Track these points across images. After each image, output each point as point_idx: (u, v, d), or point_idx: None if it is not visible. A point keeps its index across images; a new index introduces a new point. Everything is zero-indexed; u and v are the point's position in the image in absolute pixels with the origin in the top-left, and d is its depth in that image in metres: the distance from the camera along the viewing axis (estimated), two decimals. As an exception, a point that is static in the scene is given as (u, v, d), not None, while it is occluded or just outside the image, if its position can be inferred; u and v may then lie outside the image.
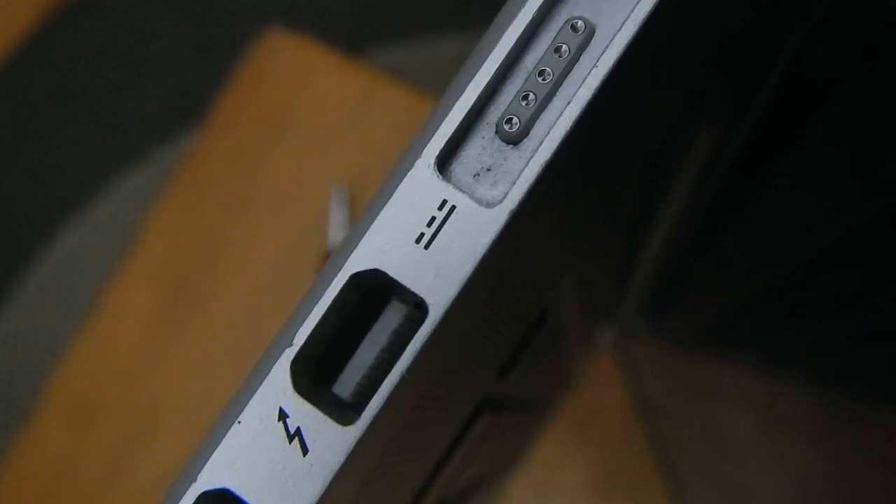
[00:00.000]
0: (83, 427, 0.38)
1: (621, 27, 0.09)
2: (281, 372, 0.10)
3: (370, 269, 0.10)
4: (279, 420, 0.10)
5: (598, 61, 0.09)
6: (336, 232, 0.36)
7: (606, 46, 0.09)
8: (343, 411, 0.10)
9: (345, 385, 0.10)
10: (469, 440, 0.17)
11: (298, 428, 0.10)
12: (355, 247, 0.10)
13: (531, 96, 0.10)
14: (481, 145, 0.10)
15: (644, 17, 0.09)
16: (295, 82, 0.40)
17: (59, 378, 0.39)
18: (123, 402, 0.38)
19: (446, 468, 0.16)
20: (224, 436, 0.10)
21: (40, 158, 0.48)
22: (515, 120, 0.10)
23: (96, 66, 0.49)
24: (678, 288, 0.27)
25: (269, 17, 0.44)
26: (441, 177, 0.10)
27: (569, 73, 0.10)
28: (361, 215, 0.10)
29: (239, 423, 0.10)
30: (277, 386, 0.10)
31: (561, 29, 0.10)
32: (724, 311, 0.27)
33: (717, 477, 0.31)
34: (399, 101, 0.39)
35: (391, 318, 0.10)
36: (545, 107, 0.10)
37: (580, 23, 0.10)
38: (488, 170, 0.10)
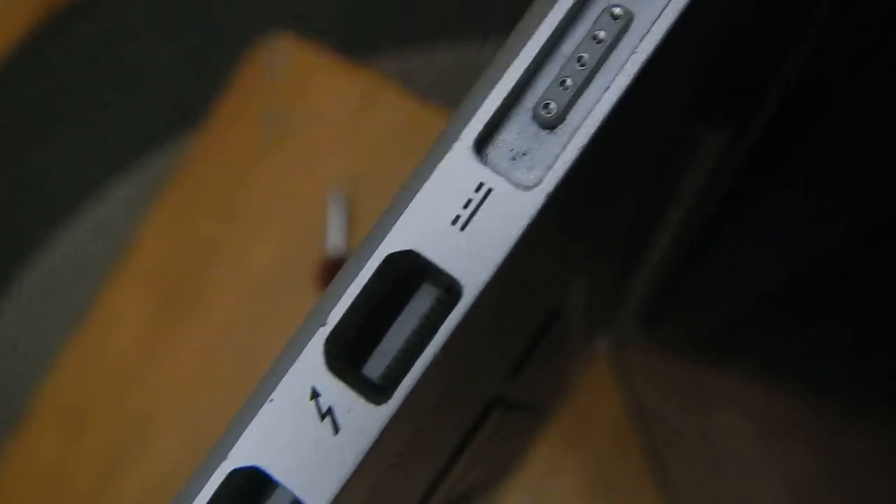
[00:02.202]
0: (74, 434, 0.38)
1: (661, 14, 0.09)
2: (314, 351, 0.10)
3: (405, 251, 0.10)
4: (311, 399, 0.10)
5: (637, 48, 0.09)
6: (334, 238, 0.36)
7: (645, 33, 0.09)
8: (374, 392, 0.10)
9: (374, 367, 0.10)
10: (477, 440, 0.17)
11: (330, 407, 0.10)
12: (391, 228, 0.10)
13: (568, 82, 0.10)
14: (517, 129, 0.10)
15: (684, 5, 0.09)
16: (292, 89, 0.40)
17: (50, 385, 0.39)
18: (115, 410, 0.38)
19: (452, 470, 0.16)
20: (256, 414, 0.10)
21: (33, 165, 0.48)
22: (553, 105, 0.10)
23: (90, 72, 0.49)
24: (675, 295, 0.28)
25: (265, 24, 0.43)
26: (478, 159, 0.10)
27: (606, 59, 0.10)
28: (396, 197, 0.10)
29: (271, 401, 0.10)
30: (310, 365, 0.10)
31: (599, 16, 0.10)
32: (721, 318, 0.27)
33: (711, 484, 0.31)
34: (397, 107, 0.39)
35: (422, 301, 0.10)
36: (582, 92, 0.10)
37: (618, 10, 0.10)
38: (524, 154, 0.10)
